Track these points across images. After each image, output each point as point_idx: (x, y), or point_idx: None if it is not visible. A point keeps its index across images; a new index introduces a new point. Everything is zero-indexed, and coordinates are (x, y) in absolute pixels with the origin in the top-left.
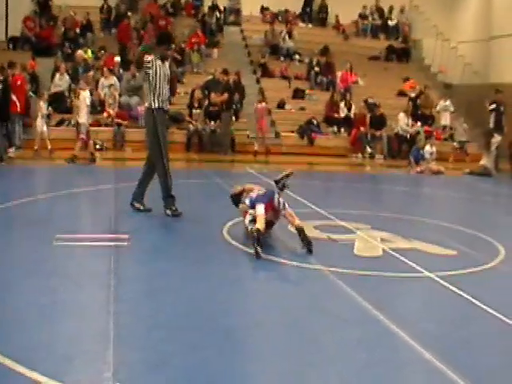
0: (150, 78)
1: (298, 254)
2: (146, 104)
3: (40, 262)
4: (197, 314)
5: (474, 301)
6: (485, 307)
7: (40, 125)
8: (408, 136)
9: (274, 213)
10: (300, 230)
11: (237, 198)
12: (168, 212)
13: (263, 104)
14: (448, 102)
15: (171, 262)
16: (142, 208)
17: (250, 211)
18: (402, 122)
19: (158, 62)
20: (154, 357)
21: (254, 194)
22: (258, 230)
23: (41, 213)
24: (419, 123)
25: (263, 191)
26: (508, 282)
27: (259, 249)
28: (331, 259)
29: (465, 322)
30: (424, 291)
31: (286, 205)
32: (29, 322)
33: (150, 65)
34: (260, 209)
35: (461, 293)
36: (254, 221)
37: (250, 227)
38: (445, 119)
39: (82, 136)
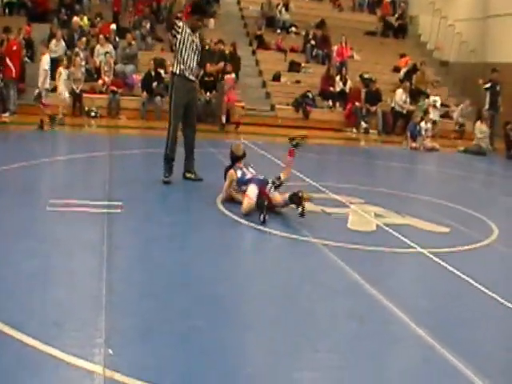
0: (178, 43)
1: (292, 227)
2: (171, 68)
3: (32, 227)
4: (189, 282)
5: (465, 278)
6: (476, 284)
7: (62, 92)
8: (404, 112)
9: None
10: (292, 195)
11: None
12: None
13: (232, 75)
14: (437, 98)
15: (164, 231)
16: (192, 177)
17: (242, 187)
18: (399, 98)
19: (188, 31)
20: (146, 324)
21: (248, 173)
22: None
23: (34, 179)
24: (426, 100)
25: (244, 174)
26: (500, 259)
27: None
28: (324, 232)
29: (456, 298)
30: (416, 267)
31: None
32: (20, 288)
33: (179, 30)
34: (253, 190)
35: (452, 269)
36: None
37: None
38: (433, 114)
39: (43, 101)
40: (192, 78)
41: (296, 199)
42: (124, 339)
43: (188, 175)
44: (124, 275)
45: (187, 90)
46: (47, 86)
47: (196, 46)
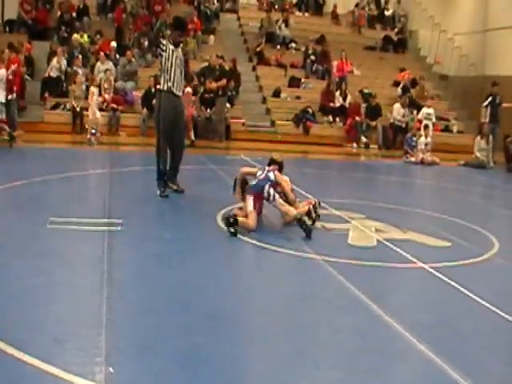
0: (163, 60)
1: (292, 242)
2: (158, 85)
3: (33, 244)
4: (189, 298)
5: (466, 292)
6: (478, 299)
7: (92, 111)
8: (403, 125)
9: (260, 204)
10: (299, 221)
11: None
12: (157, 192)
13: (188, 88)
14: (431, 110)
15: (164, 247)
16: (174, 188)
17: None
18: (396, 113)
19: (171, 47)
20: (146, 341)
21: (262, 175)
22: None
23: (35, 196)
24: (414, 112)
25: (260, 175)
26: (501, 274)
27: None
28: (325, 248)
29: (457, 313)
30: (417, 282)
31: (277, 196)
32: (21, 304)
33: (164, 48)
34: (250, 204)
35: (454, 284)
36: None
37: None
38: (425, 133)
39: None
40: (179, 93)
41: (303, 225)
42: (124, 357)
43: (170, 185)
44: (124, 292)
45: (174, 106)
46: (2, 99)
47: (180, 60)
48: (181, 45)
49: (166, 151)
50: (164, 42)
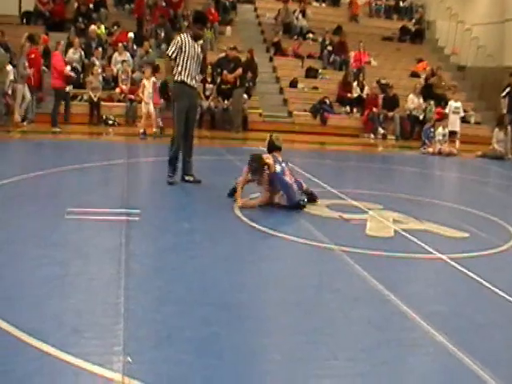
0: (179, 52)
1: (311, 233)
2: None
3: (51, 235)
4: (206, 289)
5: (485, 283)
6: (496, 290)
7: (146, 105)
8: (421, 117)
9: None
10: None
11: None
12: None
13: (153, 78)
14: (459, 104)
15: (182, 238)
16: (191, 179)
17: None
18: (411, 103)
19: (190, 41)
20: (164, 331)
21: (287, 172)
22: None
23: (53, 186)
24: (432, 102)
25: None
26: None
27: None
28: (343, 238)
29: (476, 304)
30: (435, 273)
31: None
32: (39, 295)
33: (180, 44)
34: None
35: (472, 275)
36: None
37: None
38: (453, 124)
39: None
40: (193, 84)
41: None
42: (142, 347)
43: (187, 178)
44: (142, 282)
45: (188, 97)
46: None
47: (197, 55)
48: (201, 39)
49: (180, 140)
50: (180, 37)
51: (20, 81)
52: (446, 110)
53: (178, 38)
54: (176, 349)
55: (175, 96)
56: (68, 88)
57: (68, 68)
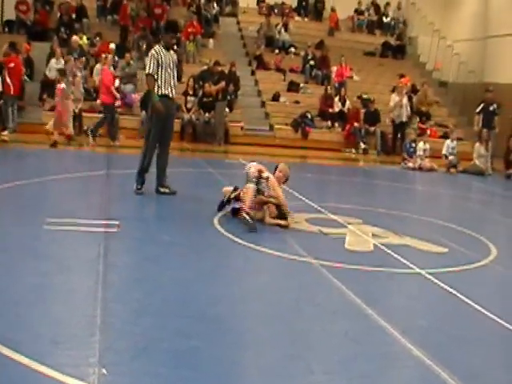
0: (154, 66)
1: (290, 246)
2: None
3: (30, 245)
4: (185, 302)
5: (463, 298)
6: (474, 305)
7: None
8: (404, 119)
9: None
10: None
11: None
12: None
13: (61, 85)
14: (455, 143)
15: (161, 250)
16: (167, 191)
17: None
18: (392, 101)
19: (163, 51)
20: (141, 343)
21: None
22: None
23: (33, 196)
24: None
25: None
26: (498, 280)
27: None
28: (322, 252)
29: (454, 319)
30: (414, 287)
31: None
32: (15, 305)
33: (155, 55)
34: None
35: (451, 290)
36: None
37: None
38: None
39: None
40: (173, 94)
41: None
42: (119, 358)
43: (162, 190)
44: (120, 294)
45: (167, 108)
46: None
47: (173, 63)
48: (173, 48)
49: (154, 150)
50: (156, 48)
51: None
52: (443, 151)
53: (153, 51)
54: (153, 361)
55: (156, 109)
56: (117, 103)
57: (117, 83)
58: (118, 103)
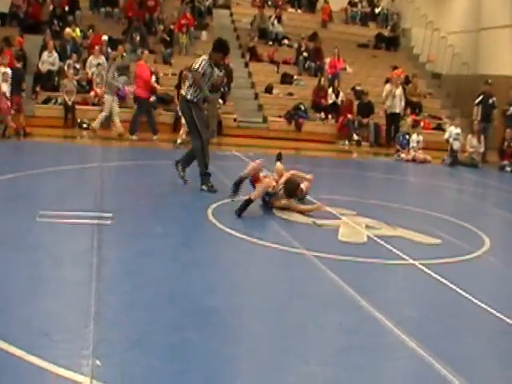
0: (199, 76)
1: (283, 238)
2: (183, 92)
3: (22, 237)
4: (178, 294)
5: (456, 289)
6: (467, 295)
7: None
8: (397, 110)
9: None
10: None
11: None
12: (204, 187)
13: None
14: (459, 130)
15: (154, 242)
16: (182, 174)
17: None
18: (387, 92)
19: (211, 67)
20: (134, 335)
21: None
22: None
23: (26, 189)
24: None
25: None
26: (491, 271)
27: None
28: (315, 244)
29: (447, 309)
30: (407, 278)
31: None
32: (8, 297)
33: (203, 66)
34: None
35: (444, 281)
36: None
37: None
38: (456, 146)
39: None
40: (196, 100)
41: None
42: (112, 350)
43: (179, 170)
44: (113, 286)
45: (204, 113)
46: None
47: (214, 79)
48: (221, 67)
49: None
50: (206, 59)
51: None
52: (446, 136)
53: (204, 61)
54: (145, 353)
55: (195, 114)
56: (152, 98)
57: (153, 78)
58: (152, 98)
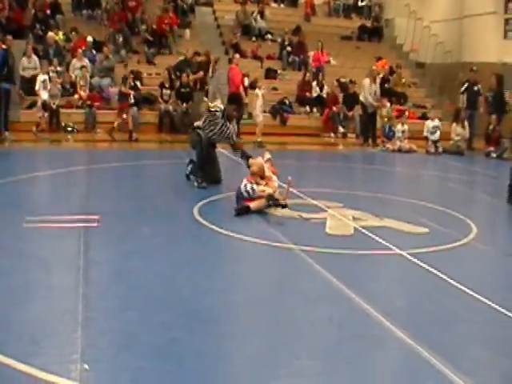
0: (212, 124)
1: (270, 233)
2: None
3: (10, 243)
4: (167, 295)
5: (444, 277)
6: (456, 284)
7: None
8: (373, 110)
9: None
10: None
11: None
12: (195, 182)
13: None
14: (437, 122)
15: (141, 243)
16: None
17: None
18: (367, 91)
19: (223, 120)
20: (123, 338)
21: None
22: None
23: (12, 195)
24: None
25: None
26: (479, 258)
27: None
28: (302, 238)
29: (436, 298)
30: (395, 269)
31: (255, 187)
32: None
33: (218, 114)
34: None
35: (432, 270)
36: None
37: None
38: (435, 137)
39: None
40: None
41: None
42: (101, 354)
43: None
44: (101, 290)
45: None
46: None
47: (223, 134)
48: (233, 120)
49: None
50: (221, 110)
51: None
52: (424, 133)
53: (219, 111)
54: (135, 356)
55: (204, 146)
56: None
57: (246, 81)
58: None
